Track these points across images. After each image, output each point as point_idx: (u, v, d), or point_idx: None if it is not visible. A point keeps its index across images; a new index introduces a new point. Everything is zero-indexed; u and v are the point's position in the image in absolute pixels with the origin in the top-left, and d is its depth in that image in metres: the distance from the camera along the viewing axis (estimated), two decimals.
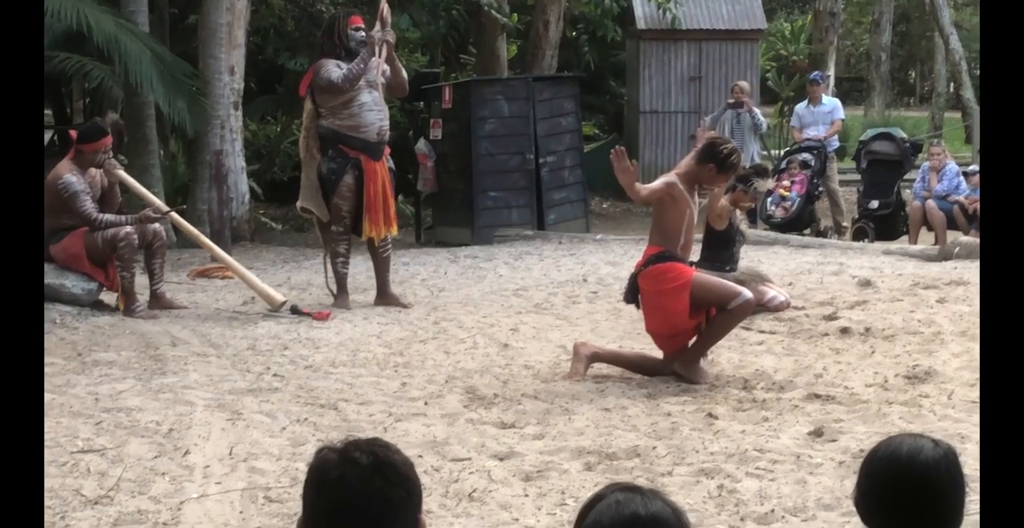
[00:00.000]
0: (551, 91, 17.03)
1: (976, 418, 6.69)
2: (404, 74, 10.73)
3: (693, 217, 7.77)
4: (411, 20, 19.14)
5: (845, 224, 16.14)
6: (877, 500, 2.95)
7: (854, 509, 3.07)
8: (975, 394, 7.15)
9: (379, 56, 10.17)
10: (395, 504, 2.59)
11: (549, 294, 10.94)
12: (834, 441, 6.23)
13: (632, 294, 7.79)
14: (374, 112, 10.21)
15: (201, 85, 14.80)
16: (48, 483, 5.66)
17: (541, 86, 16.99)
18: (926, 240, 14.73)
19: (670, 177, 7.59)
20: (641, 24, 20.84)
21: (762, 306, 8.26)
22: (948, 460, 2.93)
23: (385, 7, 10.57)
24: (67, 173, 10.02)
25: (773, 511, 5.27)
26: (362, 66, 9.99)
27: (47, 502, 5.41)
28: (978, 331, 8.87)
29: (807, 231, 15.37)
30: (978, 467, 5.51)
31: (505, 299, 10.75)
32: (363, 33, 10.25)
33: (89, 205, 10.01)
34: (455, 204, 16.19)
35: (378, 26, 10.25)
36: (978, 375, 7.58)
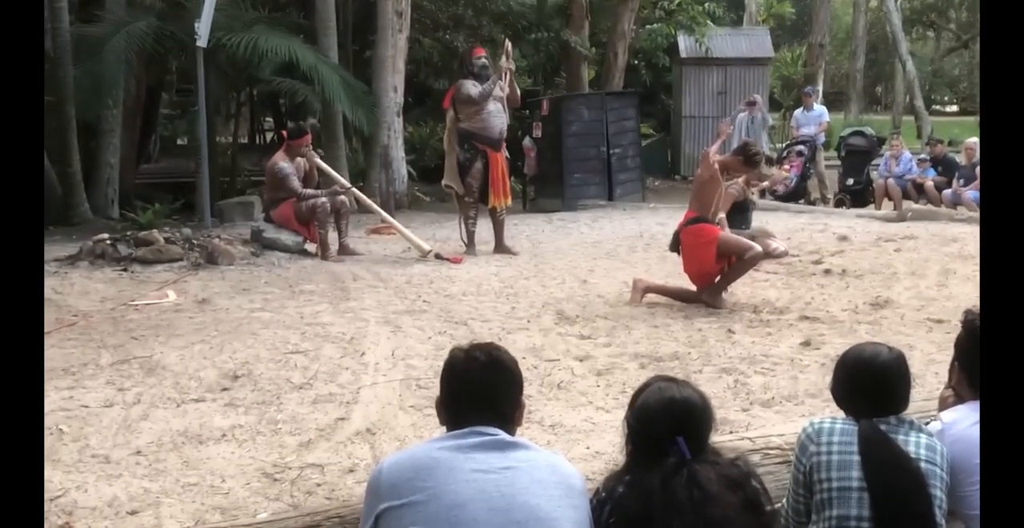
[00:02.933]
0: (618, 102, 16.85)
1: (921, 332, 6.58)
2: (519, 92, 10.67)
3: (723, 193, 7.70)
4: (521, 53, 18.99)
5: (829, 196, 15.83)
6: (847, 389, 2.91)
7: (831, 397, 3.02)
8: (921, 316, 7.02)
9: (503, 80, 10.12)
10: (503, 388, 2.60)
11: (616, 245, 10.86)
12: (818, 349, 6.15)
13: (675, 245, 7.72)
14: (498, 118, 10.14)
15: (374, 100, 14.79)
16: (267, 374, 5.76)
17: (611, 99, 16.79)
18: (887, 207, 14.43)
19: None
20: (683, 54, 20.52)
21: (768, 254, 8.14)
22: (899, 361, 2.88)
23: (508, 45, 10.60)
24: (281, 161, 10.13)
25: (773, 398, 5.23)
26: (492, 86, 9.96)
27: (267, 387, 5.52)
28: (923, 270, 8.73)
29: (801, 201, 15.11)
30: (921, 367, 5.45)
31: (585, 249, 10.69)
32: (483, 60, 10.21)
33: (296, 183, 10.10)
34: (551, 182, 16.08)
35: (503, 59, 10.22)
36: (922, 302, 7.46)
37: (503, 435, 2.51)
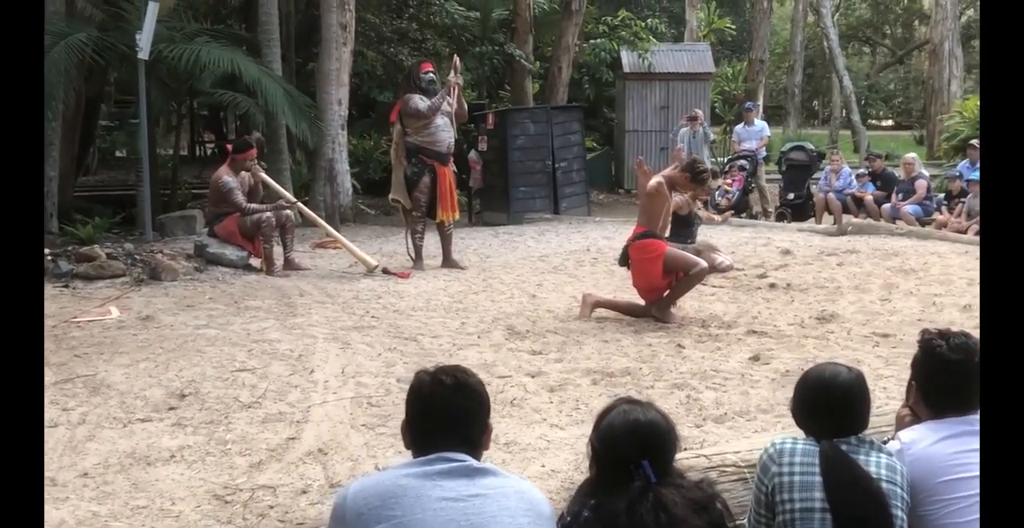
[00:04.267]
0: (563, 116, 16.93)
1: (868, 347, 6.65)
2: (466, 107, 10.69)
3: (670, 208, 7.74)
4: (466, 66, 19.00)
5: (770, 210, 16.01)
6: (808, 410, 2.92)
7: (784, 412, 3.04)
8: (867, 330, 7.10)
9: (451, 95, 10.12)
10: (470, 413, 2.58)
11: (563, 260, 10.87)
12: (767, 364, 6.19)
13: (624, 259, 7.76)
14: (445, 132, 10.13)
15: (318, 113, 14.70)
16: (215, 393, 5.65)
17: (556, 113, 16.89)
18: (827, 221, 14.62)
19: (660, 178, 7.53)
20: (626, 69, 20.67)
21: (713, 268, 8.20)
22: (858, 381, 2.90)
23: (456, 60, 10.61)
24: (225, 175, 10.02)
25: (725, 413, 5.23)
26: (440, 101, 9.95)
27: (215, 406, 5.42)
28: (866, 285, 8.83)
29: (743, 215, 15.26)
30: (869, 382, 5.51)
31: (532, 263, 10.68)
32: (431, 75, 10.21)
33: (240, 197, 9.99)
34: (497, 196, 16.12)
35: (452, 73, 10.22)
36: (867, 317, 7.55)
37: (471, 461, 2.48)
